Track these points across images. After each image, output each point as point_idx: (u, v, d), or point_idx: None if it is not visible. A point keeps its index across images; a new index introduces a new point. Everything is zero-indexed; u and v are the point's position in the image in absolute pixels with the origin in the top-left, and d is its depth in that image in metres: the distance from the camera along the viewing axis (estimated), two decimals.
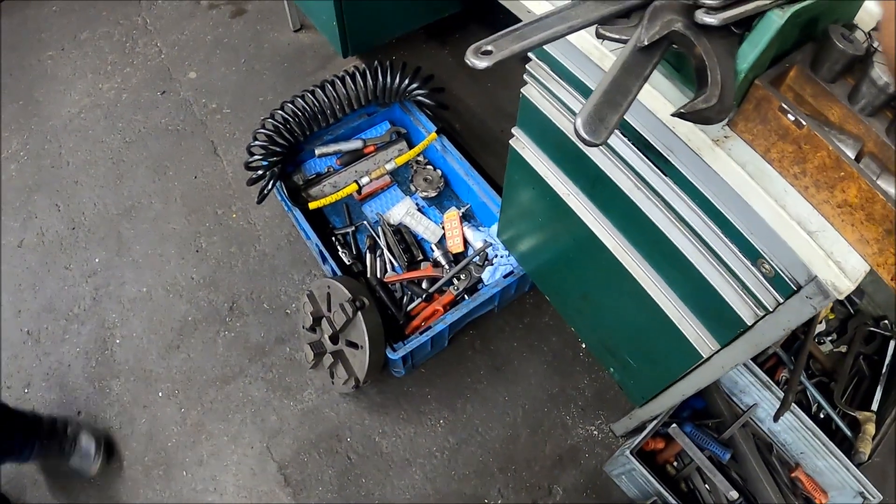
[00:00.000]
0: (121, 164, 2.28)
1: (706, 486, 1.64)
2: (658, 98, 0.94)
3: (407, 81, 1.99)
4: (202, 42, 2.57)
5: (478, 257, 1.85)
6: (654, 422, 1.59)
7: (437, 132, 1.99)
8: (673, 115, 0.79)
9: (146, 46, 2.57)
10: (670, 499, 1.47)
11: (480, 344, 1.92)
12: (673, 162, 1.01)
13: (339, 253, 1.90)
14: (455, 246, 1.93)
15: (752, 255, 0.98)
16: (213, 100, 2.40)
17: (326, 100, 1.96)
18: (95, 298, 2.01)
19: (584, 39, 1.01)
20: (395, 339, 1.70)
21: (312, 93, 1.98)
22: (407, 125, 2.14)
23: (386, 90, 2.00)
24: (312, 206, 1.87)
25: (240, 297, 1.97)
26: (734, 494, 1.53)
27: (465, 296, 1.82)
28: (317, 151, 2.04)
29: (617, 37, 0.80)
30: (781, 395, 1.60)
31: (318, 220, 1.99)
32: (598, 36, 0.80)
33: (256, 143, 1.90)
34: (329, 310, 1.70)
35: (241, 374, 1.86)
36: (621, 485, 1.72)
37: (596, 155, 1.17)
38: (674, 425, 1.62)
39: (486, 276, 1.83)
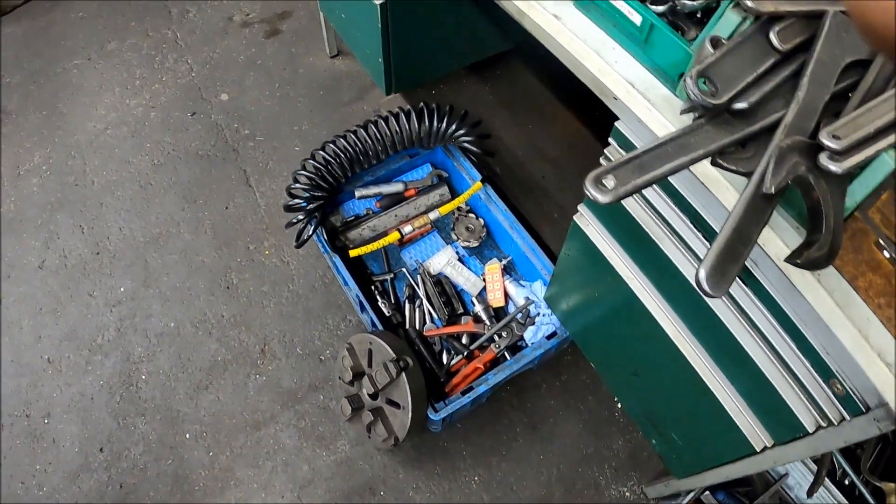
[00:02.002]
0: (148, 187, 2.34)
1: None
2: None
3: (454, 126, 2.06)
4: (235, 62, 2.63)
5: (520, 314, 1.93)
6: (691, 494, 1.67)
7: (482, 181, 2.06)
8: (786, 261, 0.86)
9: (176, 63, 2.63)
10: None
11: (517, 401, 2.00)
12: (756, 275, 1.09)
13: (379, 303, 1.97)
14: (496, 300, 2.01)
15: (825, 373, 1.06)
16: (245, 125, 2.47)
17: (369, 140, 2.04)
18: (120, 330, 2.07)
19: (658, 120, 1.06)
20: (435, 396, 1.77)
21: (355, 132, 2.05)
22: (449, 169, 2.21)
23: (431, 134, 2.07)
24: (353, 253, 1.94)
25: (272, 340, 2.04)
26: None
27: (507, 354, 1.90)
28: (357, 194, 2.11)
29: (735, 169, 0.87)
30: (814, 467, 1.69)
31: (356, 263, 2.06)
32: (714, 165, 0.87)
33: (297, 185, 1.97)
34: (370, 365, 1.77)
35: (273, 421, 1.93)
36: None
37: (671, 250, 1.24)
38: (706, 492, 1.70)
39: (528, 335, 1.91)
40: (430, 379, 1.86)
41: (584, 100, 2.60)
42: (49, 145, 2.45)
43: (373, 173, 2.16)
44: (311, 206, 1.96)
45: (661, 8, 1.06)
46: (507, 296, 2.03)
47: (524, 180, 2.36)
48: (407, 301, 2.02)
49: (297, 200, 1.97)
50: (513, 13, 1.29)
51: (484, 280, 2.06)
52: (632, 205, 1.28)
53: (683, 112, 0.97)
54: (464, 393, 1.78)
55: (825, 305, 0.98)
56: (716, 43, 0.92)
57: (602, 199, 0.80)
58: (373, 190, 2.13)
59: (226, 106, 2.53)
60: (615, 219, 1.36)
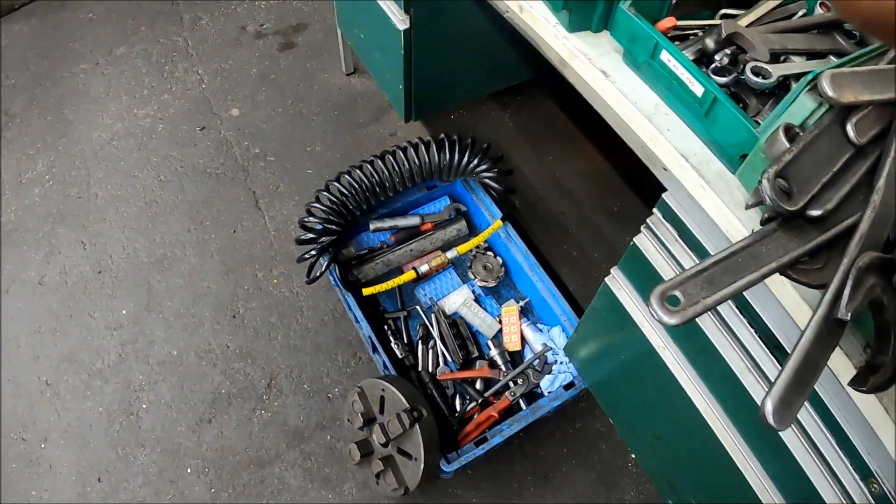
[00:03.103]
0: (153, 205, 2.29)
1: None
2: (801, 306, 0.97)
3: (476, 161, 2.02)
4: (247, 75, 2.58)
5: (537, 361, 1.89)
6: None
7: (503, 219, 2.02)
8: (849, 385, 0.82)
9: (186, 72, 2.57)
10: None
11: (530, 447, 1.96)
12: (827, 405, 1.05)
13: (392, 344, 1.92)
14: (512, 343, 1.98)
15: (864, 472, 1.04)
16: (256, 143, 2.42)
17: (387, 172, 2.00)
18: (121, 355, 2.03)
19: (726, 217, 1.01)
20: (447, 443, 1.75)
21: (372, 163, 2.01)
22: (468, 203, 2.17)
23: (452, 167, 2.03)
24: (367, 292, 1.91)
25: (278, 374, 2.00)
26: None
27: (521, 402, 1.86)
28: (371, 226, 2.07)
29: (806, 282, 0.83)
30: None
31: (368, 298, 2.02)
32: (784, 275, 0.83)
33: (311, 218, 1.92)
34: (381, 412, 1.73)
35: (278, 459, 1.89)
36: None
37: (710, 329, 1.21)
38: None
39: (544, 384, 1.88)
40: (441, 425, 1.82)
41: (608, 134, 2.56)
42: (52, 153, 2.39)
43: (388, 205, 2.12)
44: (324, 240, 1.90)
45: (724, 80, 1.02)
46: (523, 339, 1.99)
47: (543, 216, 2.32)
48: (420, 341, 1.98)
49: (309, 234, 1.91)
50: (553, 61, 1.24)
51: (500, 322, 2.01)
52: (667, 270, 1.24)
53: (749, 207, 0.92)
54: (477, 444, 1.75)
55: (873, 408, 0.95)
56: (789, 132, 0.87)
57: (669, 320, 0.75)
58: (388, 223, 2.09)
59: (236, 122, 2.47)
60: (651, 288, 1.31)
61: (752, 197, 0.92)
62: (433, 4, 1.80)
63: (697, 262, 1.16)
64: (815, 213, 0.83)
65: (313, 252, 1.91)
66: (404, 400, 1.68)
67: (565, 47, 1.18)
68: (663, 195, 1.16)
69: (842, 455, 1.05)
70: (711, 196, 1.03)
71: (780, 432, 1.13)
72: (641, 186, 2.37)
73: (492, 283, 2.08)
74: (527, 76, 2.35)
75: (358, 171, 1.99)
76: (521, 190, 2.39)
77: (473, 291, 2.08)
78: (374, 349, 1.88)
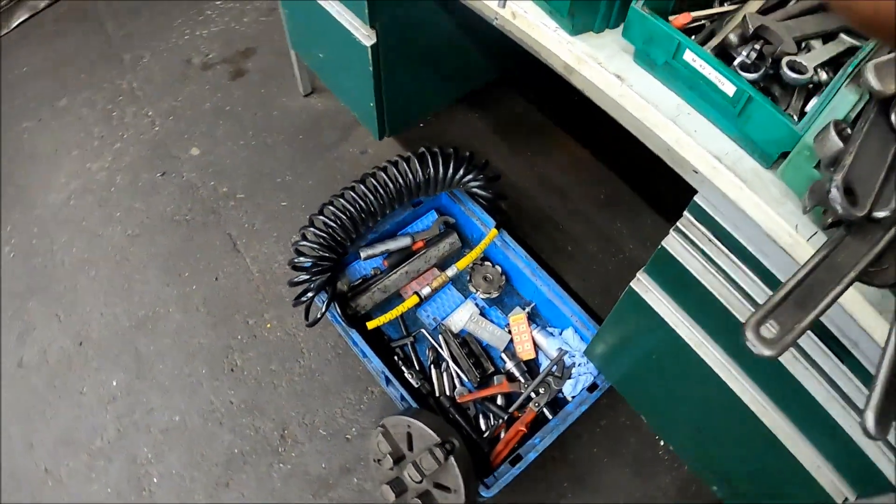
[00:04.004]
0: (125, 263, 2.16)
1: None
2: (860, 302, 0.94)
3: (462, 172, 1.96)
4: (201, 110, 2.45)
5: (555, 367, 1.85)
6: None
7: (497, 227, 1.96)
8: None
9: (136, 116, 2.43)
10: None
11: (559, 453, 1.93)
12: (856, 355, 1.03)
13: (406, 375, 1.85)
14: (525, 352, 1.93)
15: None
16: (222, 182, 2.30)
17: (371, 196, 1.92)
18: (120, 430, 1.91)
19: (766, 215, 0.97)
20: (480, 467, 1.71)
21: (353, 189, 1.93)
22: (456, 214, 2.11)
23: (437, 182, 1.96)
24: (372, 325, 1.84)
25: (290, 423, 1.91)
26: None
27: (546, 411, 1.82)
28: (363, 254, 2.00)
29: (879, 284, 0.80)
30: None
31: (371, 329, 1.93)
32: (861, 282, 0.80)
33: (301, 258, 1.82)
34: (410, 449, 1.67)
35: None
36: None
37: (734, 307, 1.18)
38: None
39: (567, 389, 1.85)
40: (471, 448, 1.76)
41: (582, 122, 2.53)
42: (9, 223, 2.24)
43: (376, 229, 2.04)
44: (317, 279, 1.81)
45: (753, 76, 0.97)
46: (536, 346, 1.94)
47: (531, 213, 2.27)
48: (432, 366, 1.92)
49: (301, 275, 1.82)
50: (557, 67, 1.19)
51: (510, 332, 1.96)
52: (708, 278, 1.20)
53: (808, 211, 0.88)
54: (512, 463, 1.70)
55: None
56: (840, 130, 0.83)
57: (769, 353, 0.72)
58: (379, 248, 2.01)
59: (198, 161, 2.34)
60: (685, 291, 1.28)
61: (809, 200, 0.89)
62: (399, 15, 1.73)
63: (735, 261, 1.14)
64: (880, 214, 0.80)
65: (310, 294, 1.82)
66: (434, 434, 1.62)
67: (571, 53, 1.13)
68: (695, 198, 1.11)
69: None
70: (750, 195, 0.99)
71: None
72: (625, 172, 2.34)
73: (495, 294, 2.02)
74: (494, 75, 2.29)
75: (341, 199, 1.90)
76: (506, 190, 2.33)
77: (477, 304, 2.03)
78: (388, 382, 1.81)
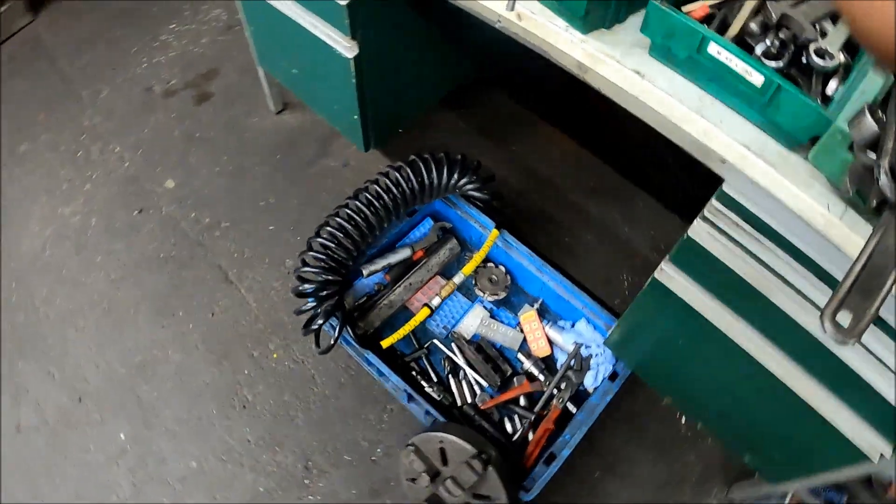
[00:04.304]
0: (114, 310, 2.07)
1: None
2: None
3: (457, 176, 1.93)
4: (171, 140, 2.36)
5: (574, 361, 1.85)
6: (789, 496, 1.67)
7: (498, 228, 1.95)
8: None
9: (103, 153, 2.33)
10: None
11: (586, 444, 1.90)
12: (891, 324, 1.05)
13: (426, 389, 1.83)
14: (540, 350, 1.93)
15: None
16: (203, 212, 2.22)
17: (368, 211, 1.87)
18: (135, 484, 1.84)
19: (798, 198, 0.99)
20: (515, 471, 1.70)
21: (347, 206, 1.88)
22: (451, 218, 2.08)
23: (433, 189, 1.94)
24: (387, 344, 1.82)
25: (313, 454, 1.87)
26: None
27: (570, 405, 1.82)
28: (364, 272, 1.96)
29: None
30: None
31: (379, 346, 1.90)
32: None
33: (305, 285, 1.77)
34: (445, 464, 1.65)
35: None
36: None
37: (782, 301, 1.19)
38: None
39: (588, 381, 1.85)
40: (504, 454, 1.75)
41: (564, 112, 2.52)
42: None
43: (374, 244, 1.98)
44: (324, 304, 1.77)
45: (779, 63, 0.97)
46: (550, 342, 1.94)
47: (525, 208, 2.26)
48: (450, 376, 1.90)
49: (307, 302, 1.77)
50: (570, 67, 1.17)
51: (522, 331, 1.95)
52: (738, 263, 1.20)
53: (850, 195, 0.89)
54: (547, 462, 1.70)
55: None
56: (874, 113, 0.85)
57: (849, 340, 0.72)
58: (380, 263, 1.98)
59: (175, 194, 2.26)
60: (713, 277, 1.29)
61: (851, 184, 0.90)
62: (380, 22, 1.68)
63: (767, 244, 1.15)
64: None
65: (319, 321, 1.77)
66: (469, 446, 1.60)
67: (585, 52, 1.11)
68: (723, 187, 1.12)
69: None
70: (781, 180, 1.00)
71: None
72: (611, 158, 2.35)
73: (502, 295, 2.01)
74: (473, 75, 2.27)
75: (336, 218, 1.85)
76: (497, 189, 2.32)
77: (485, 307, 2.01)
78: (410, 398, 1.78)
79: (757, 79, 0.97)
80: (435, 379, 1.90)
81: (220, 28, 2.62)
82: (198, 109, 2.43)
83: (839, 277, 1.05)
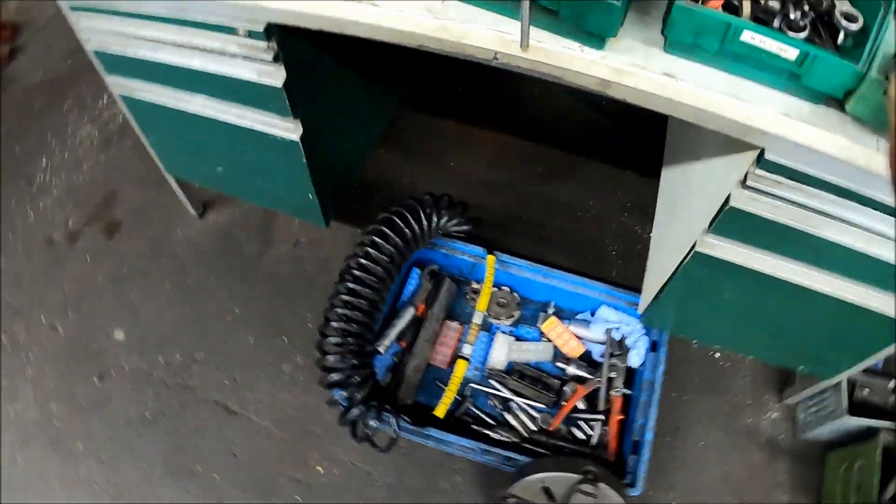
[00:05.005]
0: (123, 494, 1.88)
1: None
2: None
3: (436, 219, 1.89)
4: (97, 287, 2.12)
5: (612, 348, 1.90)
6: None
7: (491, 252, 1.94)
8: None
9: (29, 329, 2.08)
10: None
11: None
12: None
13: (493, 436, 1.80)
14: (574, 350, 1.96)
15: None
16: (170, 352, 2.03)
17: (366, 287, 1.78)
18: None
19: (841, 146, 1.08)
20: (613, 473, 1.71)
21: (343, 288, 1.78)
22: (435, 259, 2.04)
23: (419, 240, 1.88)
24: (442, 412, 1.78)
25: None
26: None
27: (626, 388, 1.88)
28: (381, 349, 1.90)
29: None
30: None
31: (418, 410, 1.86)
32: None
33: (335, 379, 1.67)
34: (551, 499, 1.63)
35: None
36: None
37: (831, 234, 1.28)
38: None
39: (633, 360, 1.89)
40: (598, 462, 1.76)
41: (484, 110, 2.52)
42: None
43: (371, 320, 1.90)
44: (360, 393, 1.68)
45: (804, 34, 1.03)
46: (579, 339, 1.96)
47: (490, 218, 2.21)
48: (504, 412, 1.87)
49: (344, 398, 1.68)
50: (591, 86, 1.16)
51: (548, 340, 1.96)
52: (787, 216, 1.27)
53: None
54: (635, 452, 1.75)
55: None
56: None
57: None
58: (392, 334, 1.92)
59: (129, 344, 2.03)
60: (758, 234, 1.35)
61: None
62: (314, 89, 1.60)
63: (812, 191, 1.22)
64: None
65: (356, 413, 1.68)
66: (571, 474, 1.59)
67: (608, 67, 1.12)
68: (766, 155, 1.16)
69: None
70: (825, 135, 1.09)
71: None
72: (547, 139, 2.39)
73: (517, 314, 2.01)
74: (394, 111, 2.21)
75: (340, 308, 1.74)
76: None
77: (505, 332, 2.00)
78: (486, 452, 1.74)
79: (791, 53, 1.02)
80: (493, 422, 1.87)
81: (97, 147, 2.35)
82: (112, 243, 2.18)
83: (880, 199, 1.15)
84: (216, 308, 2.09)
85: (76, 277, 2.12)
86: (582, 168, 2.35)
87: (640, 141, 2.28)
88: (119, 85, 1.63)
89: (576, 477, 1.59)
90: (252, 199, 2.02)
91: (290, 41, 1.35)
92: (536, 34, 1.13)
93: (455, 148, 2.41)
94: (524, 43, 1.08)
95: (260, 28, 1.26)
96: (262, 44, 1.29)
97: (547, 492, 1.64)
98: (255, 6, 1.19)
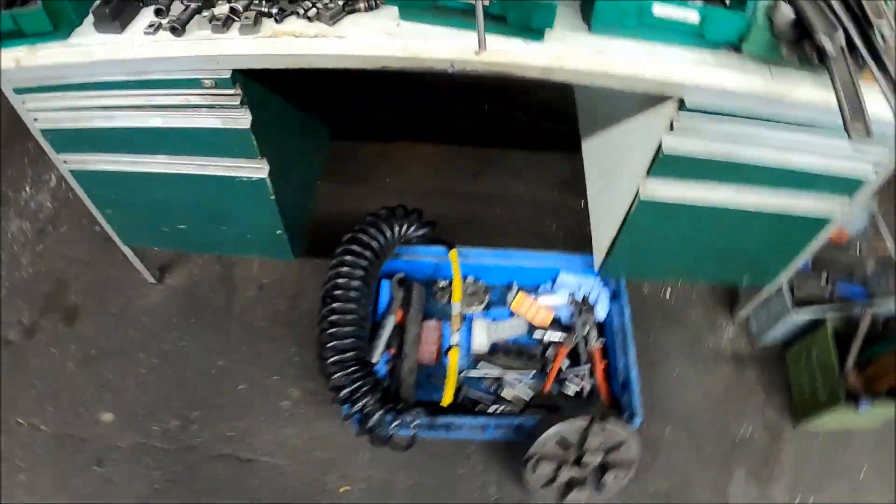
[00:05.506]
0: None
1: None
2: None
3: (397, 228, 2.01)
4: (70, 376, 2.10)
5: (579, 307, 2.10)
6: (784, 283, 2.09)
7: (452, 247, 2.09)
8: None
9: (13, 433, 1.98)
10: None
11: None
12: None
13: (499, 411, 1.96)
14: (545, 319, 2.15)
15: None
16: (164, 418, 2.03)
17: (350, 304, 1.88)
18: None
19: (749, 79, 1.34)
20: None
21: (326, 305, 1.87)
22: (399, 268, 2.17)
23: (385, 251, 2.00)
24: (447, 402, 1.91)
25: None
26: None
27: (600, 336, 2.11)
28: (374, 359, 1.99)
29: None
30: None
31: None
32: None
33: (346, 395, 1.76)
34: (566, 449, 1.79)
35: None
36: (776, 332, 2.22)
37: (755, 154, 1.53)
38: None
39: (600, 313, 2.10)
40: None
41: (406, 125, 2.71)
42: None
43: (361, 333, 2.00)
44: (374, 401, 1.78)
45: (700, 1, 1.28)
46: (547, 309, 2.15)
47: (446, 223, 2.28)
48: (500, 389, 2.02)
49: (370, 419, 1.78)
50: (534, 75, 1.35)
51: (520, 315, 2.14)
52: (713, 147, 1.51)
53: (789, 60, 1.26)
54: (625, 388, 1.95)
55: None
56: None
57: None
58: (380, 344, 2.02)
59: (119, 423, 2.01)
60: (695, 168, 1.57)
61: (789, 54, 1.30)
62: (271, 127, 1.69)
63: (728, 124, 1.46)
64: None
65: (391, 421, 1.78)
66: (580, 420, 1.75)
67: (551, 55, 1.32)
68: (686, 102, 1.39)
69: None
70: (729, 74, 1.35)
71: None
72: (468, 140, 2.59)
73: (486, 300, 2.17)
74: (328, 141, 2.33)
75: (331, 329, 1.82)
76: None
77: (479, 318, 2.16)
78: (498, 426, 1.89)
79: (693, 16, 1.29)
80: (493, 400, 2.01)
81: (32, 239, 2.29)
82: (74, 329, 2.14)
83: (781, 116, 1.42)
84: (198, 365, 2.11)
85: (44, 371, 2.06)
86: (507, 160, 2.57)
87: (552, 125, 2.54)
88: (71, 161, 1.65)
89: (583, 423, 1.76)
90: (216, 250, 2.06)
91: (248, 84, 1.45)
92: (495, 42, 1.31)
93: (387, 167, 2.56)
94: (482, 46, 1.25)
95: (227, 75, 1.36)
96: (230, 91, 1.39)
97: (562, 444, 1.80)
98: (226, 56, 1.30)
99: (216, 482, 1.94)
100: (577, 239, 2.36)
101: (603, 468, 1.82)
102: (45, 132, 1.56)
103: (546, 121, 2.55)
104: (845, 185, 1.62)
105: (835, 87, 1.20)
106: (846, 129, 1.15)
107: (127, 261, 2.15)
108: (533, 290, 2.23)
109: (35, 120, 1.53)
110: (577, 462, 1.81)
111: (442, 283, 2.20)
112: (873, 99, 1.17)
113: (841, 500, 2.03)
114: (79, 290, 2.22)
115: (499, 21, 1.27)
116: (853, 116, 1.16)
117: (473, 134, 2.62)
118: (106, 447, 1.97)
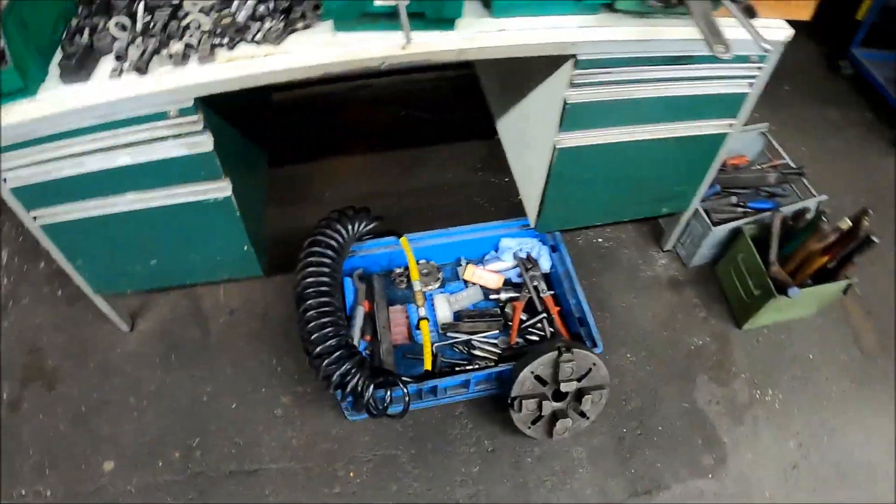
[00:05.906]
0: None
1: None
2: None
3: (350, 226, 2.18)
4: (66, 434, 2.13)
5: (524, 266, 2.36)
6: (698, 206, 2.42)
7: (401, 236, 2.30)
8: None
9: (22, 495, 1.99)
10: None
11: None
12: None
13: (477, 369, 2.16)
14: (497, 282, 2.40)
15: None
16: (166, 453, 2.11)
17: (325, 298, 2.03)
18: None
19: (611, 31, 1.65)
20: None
21: (301, 302, 2.00)
22: (356, 264, 2.36)
23: (344, 248, 2.16)
24: (429, 365, 2.08)
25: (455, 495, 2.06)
26: None
27: (547, 287, 2.37)
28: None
29: None
30: None
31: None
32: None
33: (337, 379, 1.91)
34: (544, 385, 2.02)
35: None
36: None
37: (646, 92, 1.85)
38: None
39: (544, 265, 2.38)
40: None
41: (334, 141, 2.94)
42: None
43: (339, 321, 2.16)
44: (365, 377, 1.93)
45: None
46: (496, 273, 2.40)
47: (389, 219, 2.39)
48: (471, 352, 2.26)
49: (363, 394, 1.92)
50: (450, 59, 1.61)
51: (473, 284, 2.38)
52: (604, 92, 1.81)
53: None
54: (582, 324, 2.22)
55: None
56: None
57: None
58: (356, 334, 2.19)
59: (124, 468, 2.06)
60: (598, 115, 1.88)
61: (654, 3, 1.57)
62: (227, 146, 1.82)
63: (603, 69, 1.76)
64: None
65: (382, 392, 1.94)
66: (549, 354, 1.98)
67: (462, 38, 1.58)
68: (579, 59, 1.68)
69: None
70: (609, 30, 1.67)
71: None
72: (396, 142, 2.83)
73: (440, 276, 2.40)
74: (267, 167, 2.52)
75: (311, 323, 1.96)
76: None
77: (438, 293, 2.39)
78: (479, 381, 2.10)
79: None
80: (469, 360, 2.23)
81: None
82: (57, 392, 2.17)
83: (658, 57, 1.74)
84: (188, 397, 2.20)
85: (37, 438, 2.09)
86: (430, 156, 2.84)
87: (464, 115, 2.83)
88: (41, 216, 1.73)
89: (554, 354, 2.00)
90: (188, 279, 2.15)
91: (205, 110, 1.61)
92: (417, 37, 1.54)
93: (324, 183, 2.78)
94: (407, 41, 1.49)
95: (190, 104, 1.52)
96: (194, 117, 1.56)
97: (539, 380, 2.03)
98: (191, 86, 1.47)
99: (231, 497, 2.03)
100: (507, 207, 2.66)
101: (580, 395, 2.06)
102: (15, 191, 1.64)
103: (458, 114, 2.86)
104: (730, 103, 1.95)
105: (696, 21, 1.52)
106: (710, 49, 1.47)
107: (97, 316, 2.23)
108: (480, 260, 2.47)
109: (4, 181, 1.61)
110: (557, 396, 2.05)
111: (398, 270, 2.41)
112: (733, 31, 1.48)
113: (801, 380, 2.34)
114: (55, 355, 2.26)
115: (418, 17, 1.51)
116: (714, 40, 1.48)
117: (392, 138, 2.87)
118: (115, 493, 2.02)
